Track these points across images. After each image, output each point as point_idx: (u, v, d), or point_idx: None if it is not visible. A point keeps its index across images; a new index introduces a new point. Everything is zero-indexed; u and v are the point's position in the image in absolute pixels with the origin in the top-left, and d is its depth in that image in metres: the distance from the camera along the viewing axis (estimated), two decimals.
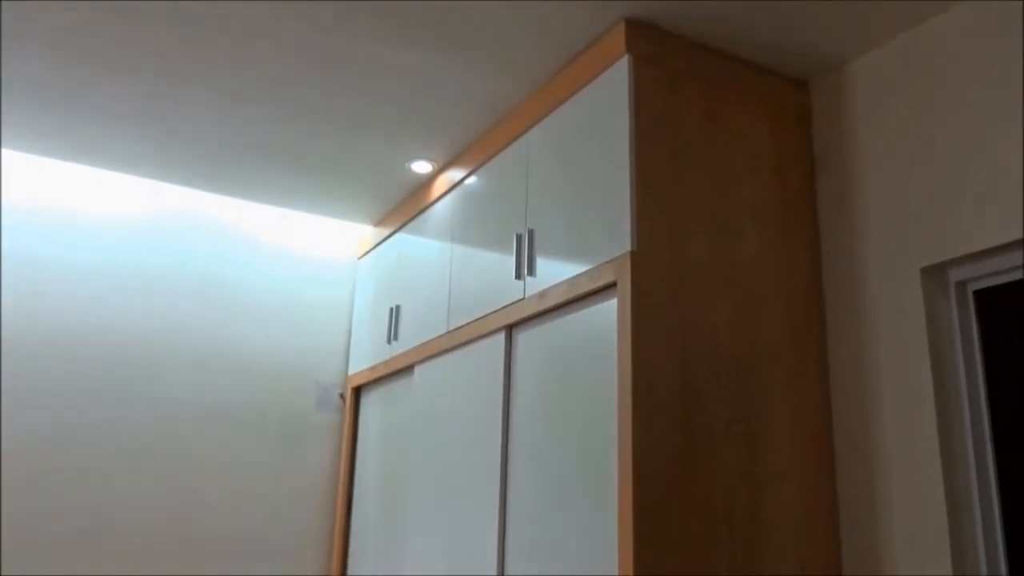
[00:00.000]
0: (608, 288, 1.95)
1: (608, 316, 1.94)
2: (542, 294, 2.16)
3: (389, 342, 3.04)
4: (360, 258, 3.51)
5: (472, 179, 2.68)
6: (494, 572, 2.16)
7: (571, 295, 2.04)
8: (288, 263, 3.39)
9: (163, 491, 2.99)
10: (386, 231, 3.28)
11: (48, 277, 2.94)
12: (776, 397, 1.98)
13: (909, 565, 1.82)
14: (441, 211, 2.86)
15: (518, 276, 2.28)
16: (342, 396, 3.39)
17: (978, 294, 1.91)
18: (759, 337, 1.99)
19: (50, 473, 2.83)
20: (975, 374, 1.87)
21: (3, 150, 2.93)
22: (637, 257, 1.86)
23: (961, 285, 1.91)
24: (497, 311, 2.36)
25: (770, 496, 1.90)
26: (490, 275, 2.44)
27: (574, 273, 2.05)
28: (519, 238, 2.30)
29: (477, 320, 2.46)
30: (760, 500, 1.88)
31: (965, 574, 1.75)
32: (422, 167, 2.91)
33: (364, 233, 3.55)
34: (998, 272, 1.84)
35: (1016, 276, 1.81)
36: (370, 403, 3.22)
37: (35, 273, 2.93)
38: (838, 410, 2.05)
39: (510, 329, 2.33)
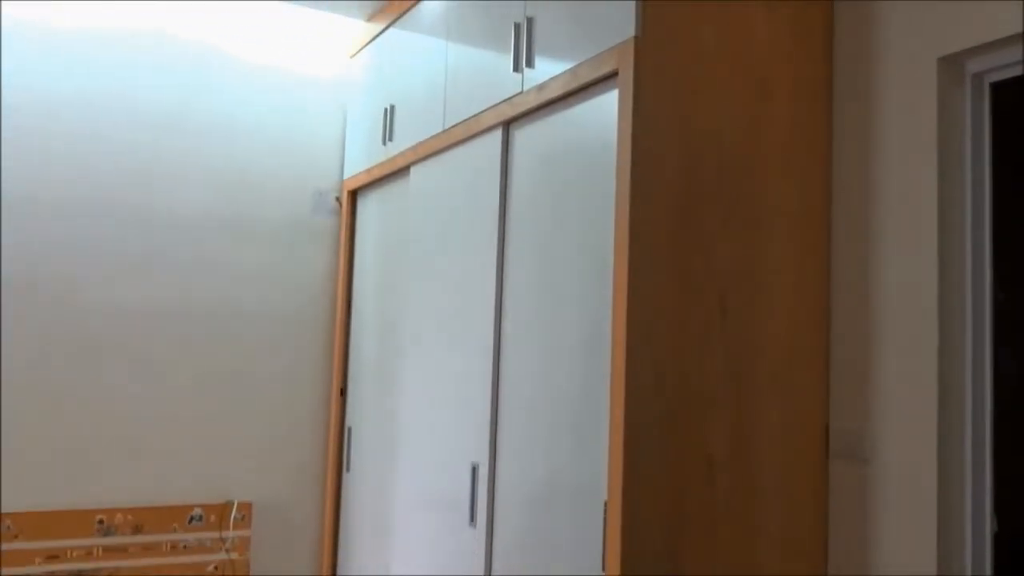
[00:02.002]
0: (609, 78, 1.86)
1: (609, 108, 1.87)
2: (541, 87, 2.08)
3: (384, 143, 2.97)
4: (352, 57, 3.37)
5: None
6: (490, 365, 2.22)
7: (571, 86, 1.96)
8: (278, 65, 3.26)
9: (163, 296, 3.03)
10: (378, 27, 3.13)
11: (40, 98, 2.84)
12: (778, 191, 1.94)
13: (896, 356, 1.85)
14: (435, 2, 2.71)
15: (516, 69, 2.18)
16: (338, 200, 3.36)
17: (995, 88, 1.83)
18: (764, 130, 1.93)
19: (51, 282, 2.84)
20: (982, 168, 1.82)
21: None
22: (641, 43, 1.77)
23: (978, 77, 1.83)
24: (494, 107, 2.28)
25: (765, 289, 1.91)
26: (487, 69, 2.34)
27: (574, 63, 1.96)
28: (517, 28, 2.19)
29: (473, 117, 2.39)
30: (755, 292, 1.89)
31: (952, 367, 1.79)
32: None
33: (356, 30, 3.39)
34: (1017, 62, 1.75)
35: None
36: (367, 206, 3.20)
37: (24, 93, 2.82)
38: (838, 204, 2.02)
39: (507, 125, 2.26)
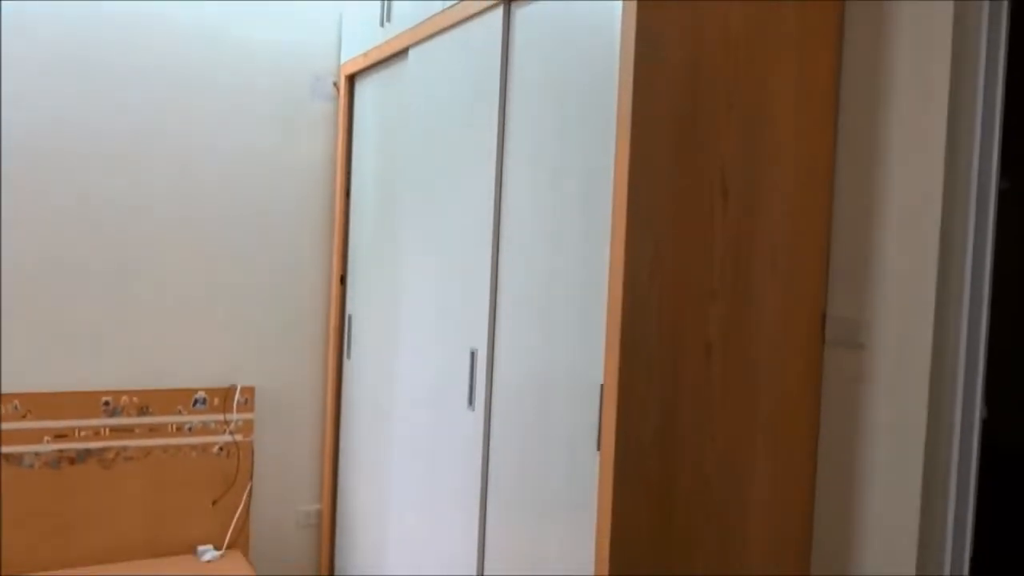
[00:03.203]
0: None
1: None
2: None
3: (382, 24, 2.88)
4: None
5: None
6: (489, 251, 2.21)
7: None
8: None
9: (162, 179, 3.00)
10: None
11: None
12: (785, 76, 1.89)
13: (897, 243, 1.85)
14: None
15: None
16: (335, 85, 3.29)
17: None
18: (773, 13, 1.87)
19: (51, 163, 2.81)
20: (996, 60, 1.77)
21: None
22: None
23: None
24: None
25: (767, 175, 1.88)
26: None
27: None
28: None
29: None
30: (757, 178, 1.87)
31: (953, 256, 1.78)
32: None
33: None
34: None
35: None
36: (364, 91, 3.13)
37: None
38: (846, 92, 1.98)
39: (508, 4, 2.19)
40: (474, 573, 2.25)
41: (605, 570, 1.72)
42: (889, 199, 1.87)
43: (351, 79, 3.23)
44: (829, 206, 2.00)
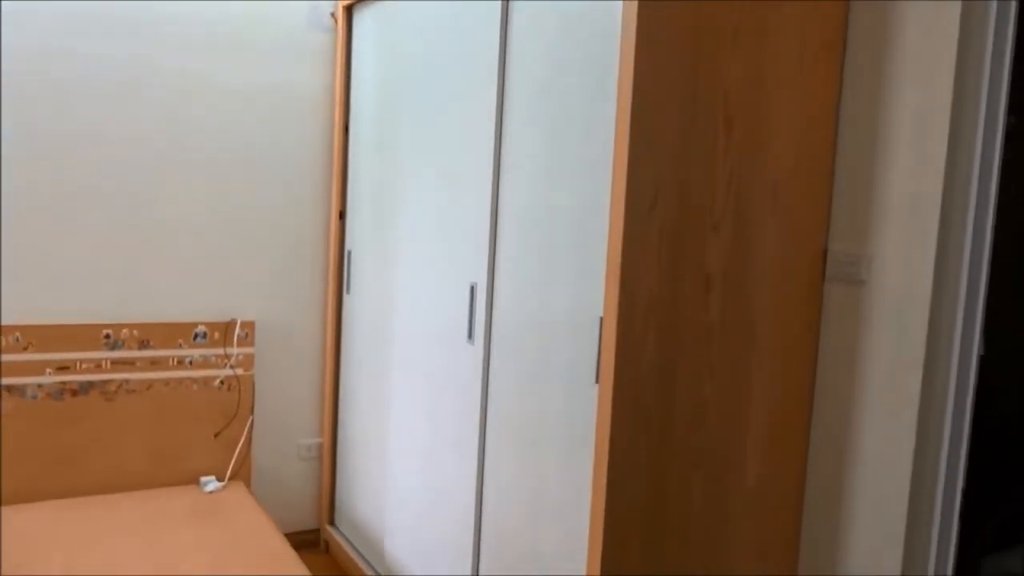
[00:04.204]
0: None
1: None
2: None
3: None
4: None
5: None
6: (489, 185, 2.19)
7: None
8: None
9: (159, 112, 2.96)
10: None
11: None
12: (790, 5, 1.85)
13: (901, 178, 1.83)
14: None
15: None
16: (332, 16, 3.22)
17: None
18: None
19: (50, 91, 2.77)
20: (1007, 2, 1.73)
21: None
22: None
23: None
24: None
25: (772, 108, 1.86)
26: None
27: None
28: None
29: None
30: (761, 111, 1.84)
31: (957, 190, 1.77)
32: None
33: None
34: None
35: None
36: (363, 22, 3.07)
37: None
38: (854, 27, 1.94)
39: None
40: (473, 504, 2.29)
41: (602, 500, 1.74)
42: (893, 134, 1.84)
43: (349, 9, 3.16)
44: (833, 139, 1.97)
